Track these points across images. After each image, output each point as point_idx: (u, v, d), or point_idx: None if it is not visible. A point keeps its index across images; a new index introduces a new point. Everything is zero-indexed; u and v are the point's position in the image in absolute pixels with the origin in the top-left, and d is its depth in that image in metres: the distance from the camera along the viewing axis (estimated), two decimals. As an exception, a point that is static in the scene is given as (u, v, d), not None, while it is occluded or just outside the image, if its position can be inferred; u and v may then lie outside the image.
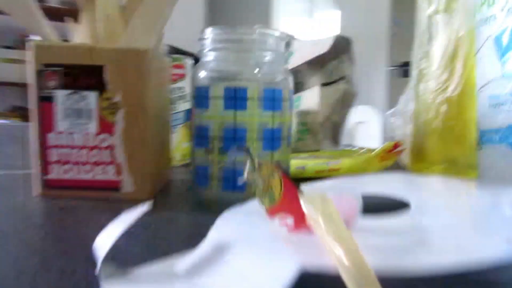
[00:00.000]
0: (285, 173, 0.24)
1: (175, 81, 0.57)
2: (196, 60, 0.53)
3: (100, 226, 0.23)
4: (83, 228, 0.32)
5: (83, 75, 0.39)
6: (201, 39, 0.37)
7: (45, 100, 0.39)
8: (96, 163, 0.40)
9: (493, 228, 0.23)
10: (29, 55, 0.39)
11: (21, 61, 1.72)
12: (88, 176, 0.40)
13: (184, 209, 0.39)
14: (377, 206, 0.27)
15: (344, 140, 0.75)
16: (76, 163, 0.40)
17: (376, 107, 2.12)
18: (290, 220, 0.23)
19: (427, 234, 0.23)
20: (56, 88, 0.39)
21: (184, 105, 0.60)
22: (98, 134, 0.40)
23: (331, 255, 0.17)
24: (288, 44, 0.74)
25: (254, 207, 0.28)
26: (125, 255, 0.25)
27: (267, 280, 0.17)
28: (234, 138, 0.36)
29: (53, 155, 0.40)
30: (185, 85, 0.60)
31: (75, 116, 0.39)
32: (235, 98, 0.35)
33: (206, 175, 0.37)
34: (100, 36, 0.42)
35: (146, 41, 0.42)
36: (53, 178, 0.40)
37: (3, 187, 0.46)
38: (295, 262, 0.18)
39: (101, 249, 0.21)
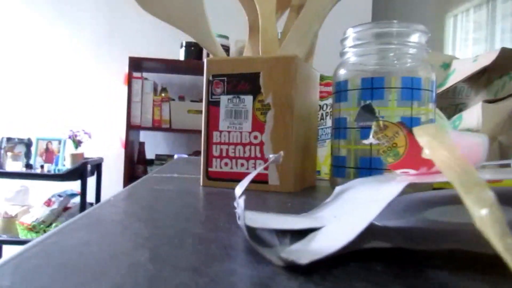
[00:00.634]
0: (410, 131, 0.24)
1: (324, 98, 0.61)
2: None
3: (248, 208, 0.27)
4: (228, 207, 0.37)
5: (242, 82, 0.46)
6: (343, 40, 0.40)
7: (213, 104, 0.47)
8: (249, 158, 0.46)
9: None
10: (204, 69, 0.48)
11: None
12: (242, 169, 0.46)
13: (322, 198, 0.41)
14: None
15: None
16: (233, 158, 0.46)
17: None
18: (413, 172, 0.23)
19: None
20: (221, 94, 0.47)
21: (333, 122, 0.63)
22: (251, 132, 0.45)
23: (441, 165, 0.16)
24: (447, 65, 0.71)
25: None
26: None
27: (379, 195, 0.18)
28: (371, 127, 0.36)
29: (216, 150, 0.47)
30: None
31: (234, 116, 0.46)
32: (372, 89, 0.36)
33: (344, 165, 0.38)
34: (261, 50, 0.49)
35: (299, 52, 0.48)
36: (214, 170, 0.47)
37: (181, 182, 0.56)
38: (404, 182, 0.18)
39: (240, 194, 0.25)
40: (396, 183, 0.18)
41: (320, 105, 0.61)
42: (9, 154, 2.03)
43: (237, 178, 0.46)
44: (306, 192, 0.44)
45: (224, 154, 0.47)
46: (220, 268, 0.17)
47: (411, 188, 0.21)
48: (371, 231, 0.19)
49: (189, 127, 2.23)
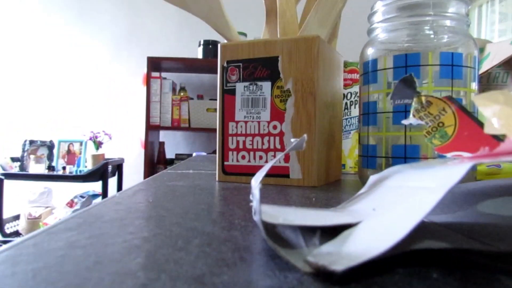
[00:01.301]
0: (460, 107, 0.20)
1: (349, 85, 0.56)
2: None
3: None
4: (245, 203, 0.33)
5: (259, 67, 0.42)
6: (370, 15, 0.36)
7: (228, 93, 0.44)
8: (268, 150, 0.42)
9: None
10: (218, 56, 0.44)
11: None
12: (260, 162, 0.42)
13: (351, 192, 0.36)
14: None
15: None
16: (250, 150, 0.43)
17: None
18: (467, 155, 0.19)
19: None
20: (236, 81, 0.43)
21: (358, 111, 0.58)
22: (270, 121, 0.42)
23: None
24: (481, 49, 0.65)
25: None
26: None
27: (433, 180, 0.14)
28: (405, 111, 0.32)
29: (232, 143, 0.44)
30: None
31: (251, 105, 0.42)
32: (406, 67, 0.32)
33: (374, 155, 0.34)
34: (279, 33, 0.45)
35: (321, 33, 0.44)
36: (230, 164, 0.44)
37: (195, 178, 0.52)
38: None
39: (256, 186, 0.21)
40: (457, 165, 0.14)
41: (344, 94, 0.57)
42: (32, 156, 2.05)
43: (255, 172, 0.42)
44: (331, 186, 0.40)
45: (241, 147, 0.43)
46: (230, 277, 0.13)
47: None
48: (421, 228, 0.15)
49: (208, 125, 2.20)
